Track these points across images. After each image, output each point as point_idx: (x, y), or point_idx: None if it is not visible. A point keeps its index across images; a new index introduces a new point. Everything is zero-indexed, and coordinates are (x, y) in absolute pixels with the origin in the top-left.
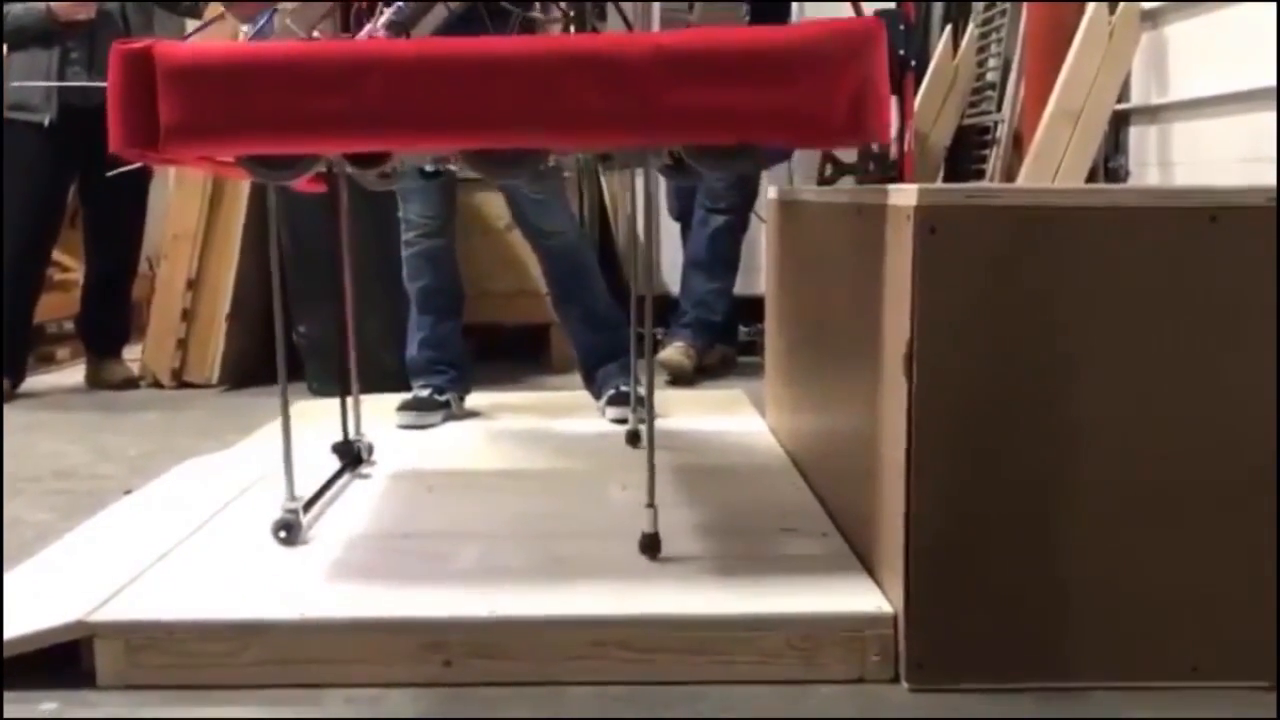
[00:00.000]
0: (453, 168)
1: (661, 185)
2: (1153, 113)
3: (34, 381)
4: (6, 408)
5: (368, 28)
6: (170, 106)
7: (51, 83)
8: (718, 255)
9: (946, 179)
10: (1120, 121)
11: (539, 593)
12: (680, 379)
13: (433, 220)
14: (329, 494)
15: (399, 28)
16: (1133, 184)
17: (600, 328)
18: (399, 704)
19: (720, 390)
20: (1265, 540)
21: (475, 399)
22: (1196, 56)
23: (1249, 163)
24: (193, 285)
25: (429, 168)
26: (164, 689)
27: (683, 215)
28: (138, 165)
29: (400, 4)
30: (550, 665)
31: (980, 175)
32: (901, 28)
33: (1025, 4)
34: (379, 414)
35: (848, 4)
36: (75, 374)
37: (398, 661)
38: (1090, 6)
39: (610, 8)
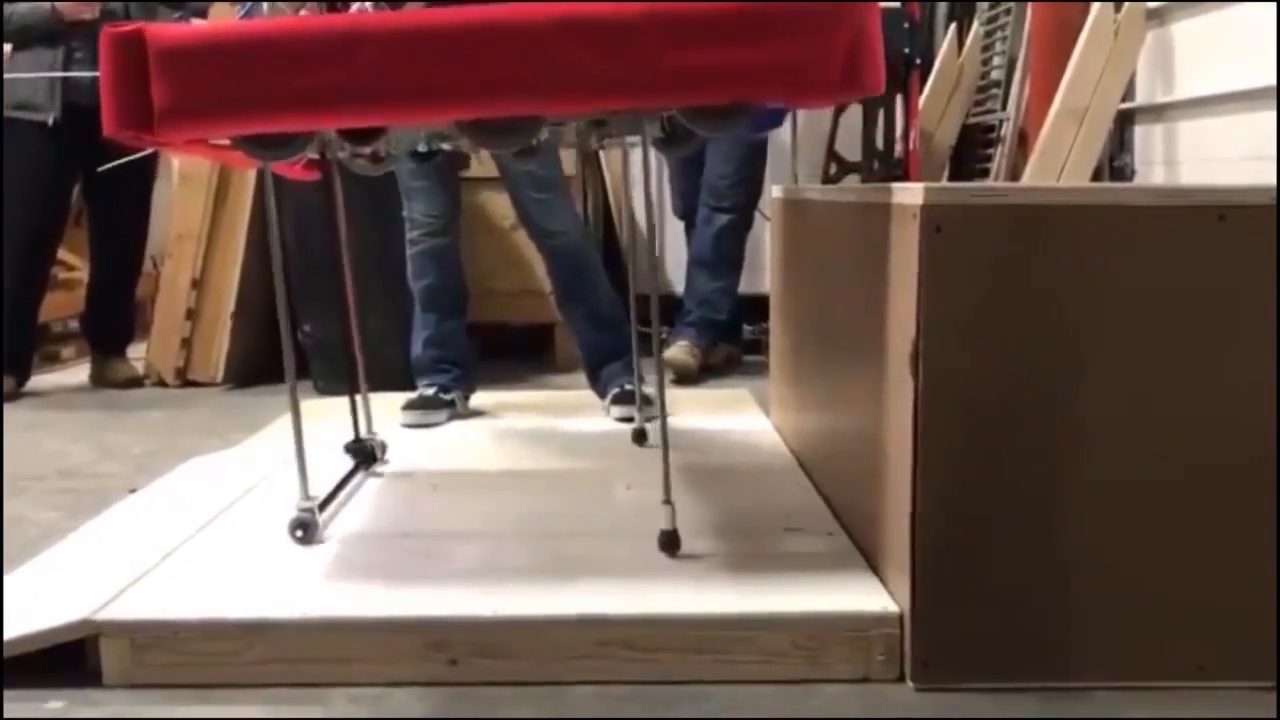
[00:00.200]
0: (446, 147)
1: (666, 184)
2: (1158, 111)
3: (39, 380)
4: (12, 407)
5: (356, 5)
6: (163, 88)
7: (55, 73)
8: (722, 254)
9: (951, 178)
10: (1125, 120)
11: (543, 592)
12: (685, 378)
13: (437, 219)
14: (344, 493)
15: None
16: (1138, 183)
17: (604, 326)
18: (403, 703)
19: (725, 389)
20: (1270, 540)
21: (480, 398)
22: (1202, 55)
23: (1255, 161)
24: (197, 284)
25: (422, 148)
26: (169, 688)
27: (687, 214)
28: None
29: None
30: (554, 665)
31: (985, 174)
32: (906, 26)
33: (1030, 3)
34: (384, 413)
35: None
36: (80, 373)
37: (402, 661)
38: (1095, 5)
39: None
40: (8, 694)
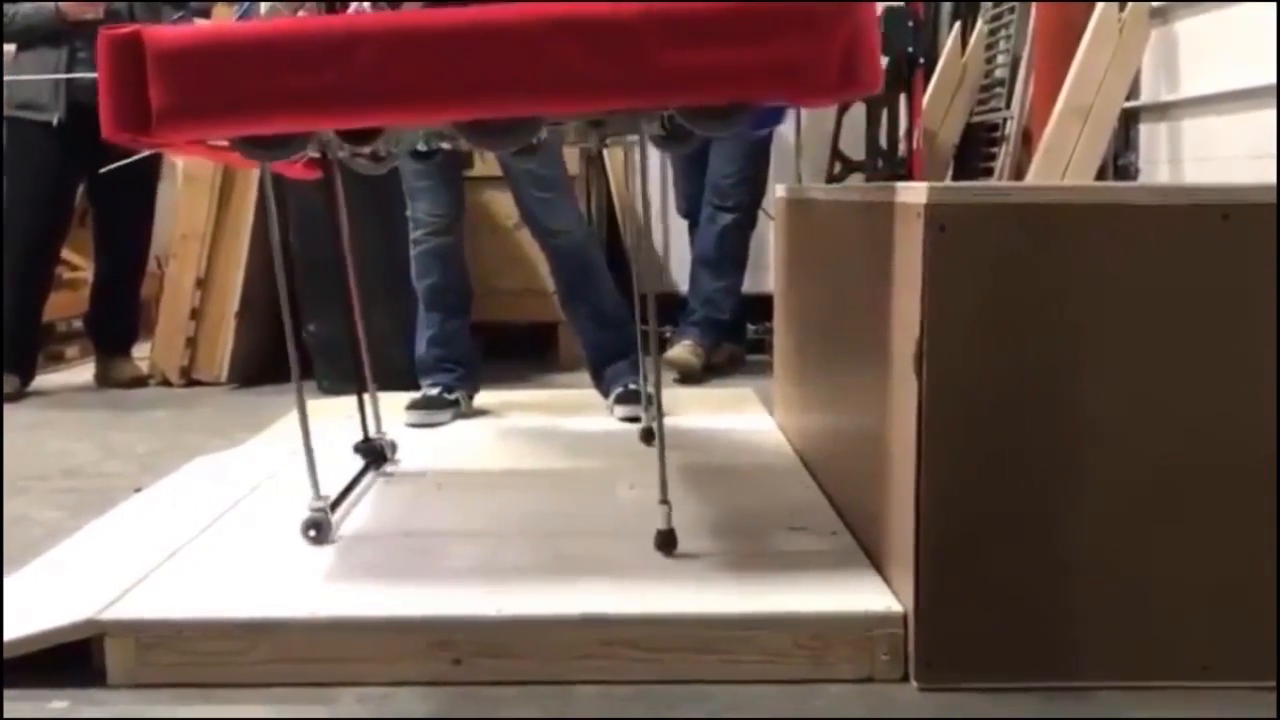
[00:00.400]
0: (446, 145)
1: (670, 183)
2: (1163, 110)
3: (43, 380)
4: (16, 406)
5: (354, 5)
6: (161, 90)
7: (59, 75)
8: (726, 253)
9: (955, 177)
10: (1130, 119)
11: (547, 592)
12: (689, 377)
13: (441, 218)
14: (355, 493)
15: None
16: (1143, 181)
17: (608, 326)
18: (407, 703)
19: (729, 388)
20: (1275, 540)
21: (483, 397)
22: (1206, 53)
23: (1260, 159)
24: (201, 284)
25: (422, 146)
26: (174, 687)
27: (690, 213)
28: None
29: None
30: (558, 664)
31: (989, 173)
32: (910, 25)
33: (1034, 1)
34: (388, 412)
35: None
36: (84, 372)
37: (406, 660)
38: (1099, 4)
39: None
40: (13, 694)
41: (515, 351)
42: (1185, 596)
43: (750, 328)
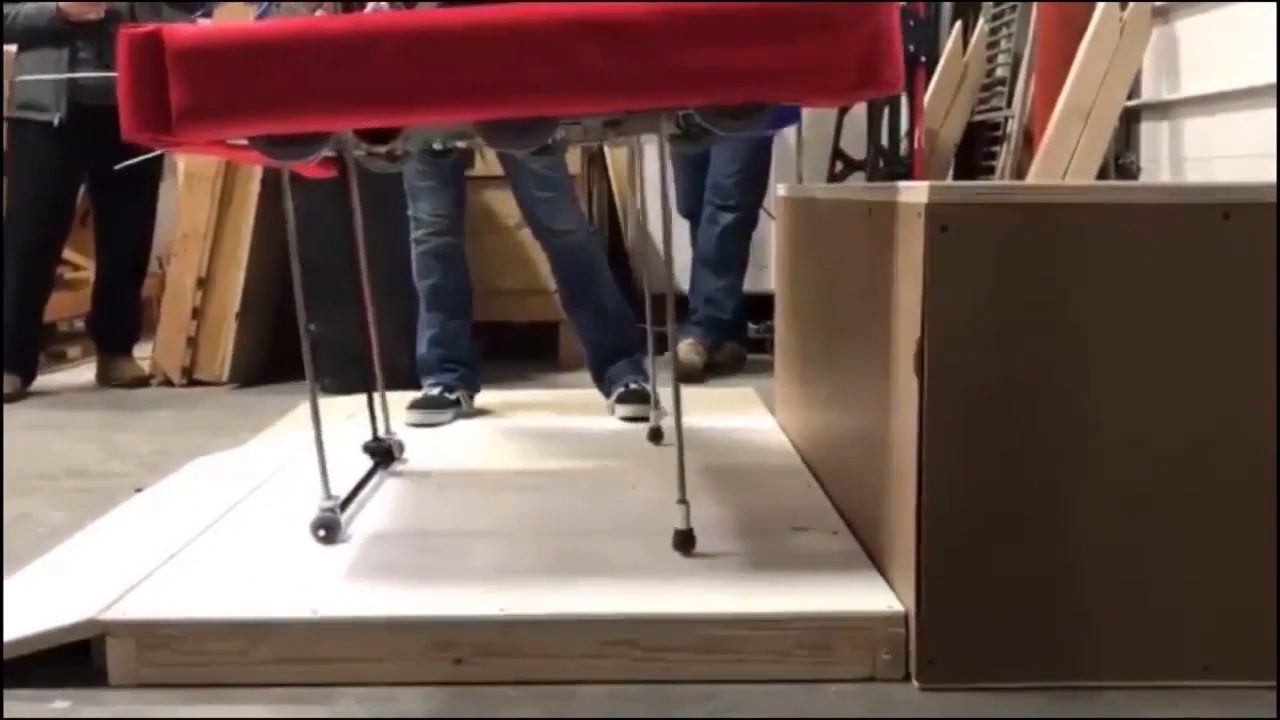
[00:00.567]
0: (461, 144)
1: (670, 182)
2: (1164, 109)
3: (45, 380)
4: (18, 406)
5: (370, 4)
6: (181, 89)
7: (61, 75)
8: (727, 253)
9: (956, 176)
10: (1131, 118)
11: (549, 591)
12: (690, 377)
13: (442, 218)
14: (364, 492)
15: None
16: (1144, 181)
17: (610, 325)
18: (409, 703)
19: (730, 388)
20: (1275, 540)
21: (485, 397)
22: (1208, 52)
23: (1261, 158)
24: (202, 284)
25: (438, 145)
26: (175, 687)
27: (691, 213)
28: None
29: None
30: (561, 664)
31: (990, 172)
32: (911, 23)
33: (1036, 0)
34: (389, 412)
35: None
36: (86, 372)
37: (408, 660)
38: (1100, 3)
39: None
40: (13, 694)
41: (516, 351)
42: (1185, 596)
43: (751, 327)
